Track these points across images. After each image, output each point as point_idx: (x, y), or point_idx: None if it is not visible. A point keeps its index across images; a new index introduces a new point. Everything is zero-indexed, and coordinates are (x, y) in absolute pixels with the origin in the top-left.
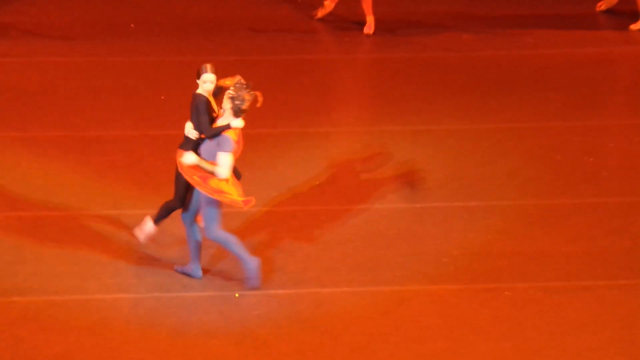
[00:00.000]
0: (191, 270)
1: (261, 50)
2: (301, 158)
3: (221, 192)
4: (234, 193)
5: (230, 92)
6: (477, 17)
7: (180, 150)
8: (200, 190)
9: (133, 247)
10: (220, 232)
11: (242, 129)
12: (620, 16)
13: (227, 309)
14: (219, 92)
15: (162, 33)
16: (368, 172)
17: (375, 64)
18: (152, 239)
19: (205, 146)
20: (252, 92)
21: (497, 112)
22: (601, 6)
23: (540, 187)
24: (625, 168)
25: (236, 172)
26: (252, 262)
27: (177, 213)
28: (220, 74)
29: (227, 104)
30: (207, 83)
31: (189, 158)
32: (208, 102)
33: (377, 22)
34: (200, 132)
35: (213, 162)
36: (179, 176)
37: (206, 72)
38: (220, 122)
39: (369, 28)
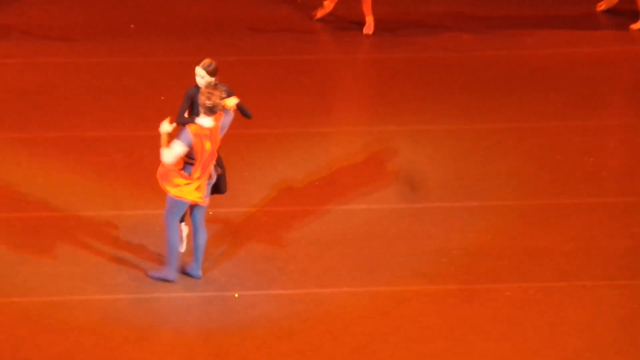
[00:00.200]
0: (190, 269)
1: (261, 50)
2: (301, 158)
3: (176, 186)
4: (186, 193)
5: (203, 91)
6: (477, 17)
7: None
8: (160, 183)
9: (133, 247)
10: (170, 223)
11: (241, 129)
12: (620, 16)
13: (227, 309)
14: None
15: (162, 33)
16: (368, 172)
17: (374, 64)
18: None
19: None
20: (223, 95)
21: (497, 112)
22: (601, 6)
23: (540, 187)
24: (625, 168)
25: (219, 163)
26: (170, 274)
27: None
28: (220, 74)
29: (201, 101)
30: (197, 77)
31: (163, 126)
32: (193, 94)
33: (377, 22)
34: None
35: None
36: None
37: (198, 66)
38: (198, 118)
39: (369, 28)
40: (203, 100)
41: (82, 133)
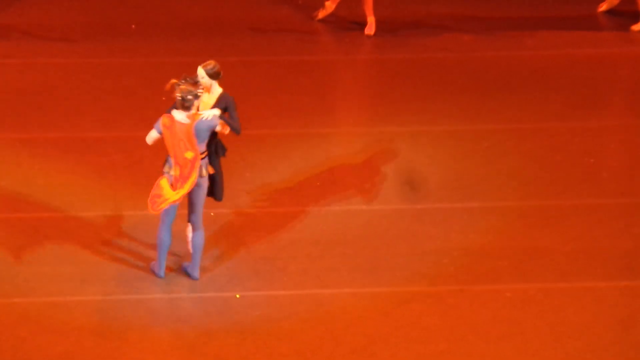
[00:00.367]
0: (189, 269)
1: (262, 50)
2: (301, 159)
3: (158, 195)
4: (167, 195)
5: (180, 83)
6: (477, 18)
7: None
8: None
9: (134, 248)
10: (161, 220)
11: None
12: (620, 17)
13: (227, 309)
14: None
15: (162, 34)
16: (368, 173)
17: (375, 65)
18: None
19: None
20: (197, 92)
21: (497, 112)
22: (602, 7)
23: (540, 188)
24: (625, 169)
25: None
26: (158, 270)
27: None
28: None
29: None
30: (198, 77)
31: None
32: None
33: (378, 23)
34: None
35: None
36: None
37: (200, 66)
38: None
39: (370, 29)
40: (175, 92)
41: (83, 133)
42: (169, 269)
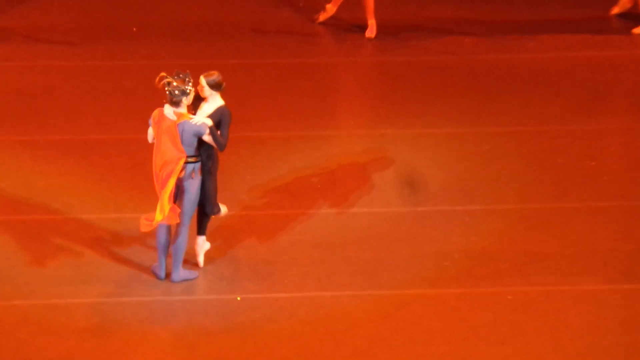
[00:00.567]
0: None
1: (262, 53)
2: (302, 161)
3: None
4: (156, 216)
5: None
6: (479, 21)
7: None
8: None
9: (134, 250)
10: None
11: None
12: (622, 19)
13: (228, 312)
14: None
15: (163, 36)
16: (369, 175)
17: (376, 68)
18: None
19: None
20: (185, 89)
21: (498, 115)
22: (615, 10)
23: (541, 191)
24: (626, 172)
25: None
26: (159, 271)
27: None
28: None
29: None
30: (199, 85)
31: None
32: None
33: (379, 25)
34: None
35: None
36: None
37: (202, 75)
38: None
39: (371, 31)
40: (165, 86)
41: (83, 136)
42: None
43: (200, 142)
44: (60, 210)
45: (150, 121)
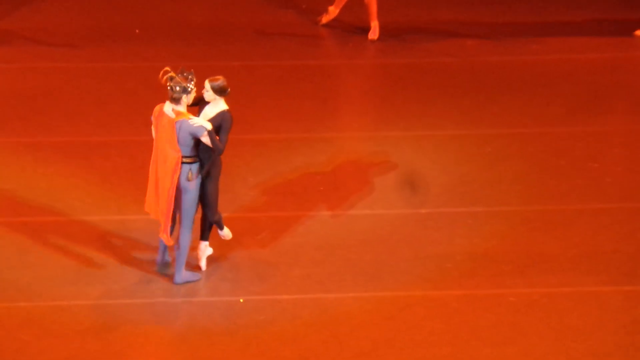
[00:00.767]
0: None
1: (265, 55)
2: (305, 163)
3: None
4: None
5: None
6: (481, 23)
7: None
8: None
9: (137, 252)
10: None
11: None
12: (624, 22)
13: (231, 314)
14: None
15: (165, 38)
16: (371, 177)
17: (379, 70)
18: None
19: None
20: (186, 87)
21: (501, 117)
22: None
23: (544, 193)
24: (629, 174)
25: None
26: (158, 257)
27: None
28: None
29: None
30: (204, 89)
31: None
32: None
33: (382, 27)
34: None
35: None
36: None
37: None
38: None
39: (374, 33)
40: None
41: (86, 137)
42: (171, 274)
43: (201, 145)
44: (63, 211)
45: (152, 117)
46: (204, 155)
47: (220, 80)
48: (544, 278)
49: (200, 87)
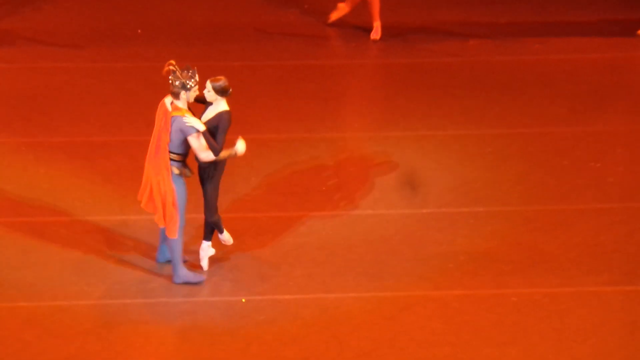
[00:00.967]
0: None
1: (267, 55)
2: (306, 163)
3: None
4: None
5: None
6: (483, 23)
7: None
8: None
9: (139, 252)
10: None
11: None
12: (626, 22)
13: (233, 314)
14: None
15: (167, 38)
16: (373, 177)
17: (381, 70)
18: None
19: None
20: (187, 83)
21: (503, 117)
22: None
23: (545, 193)
24: (631, 174)
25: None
26: (157, 255)
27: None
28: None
29: None
30: (205, 89)
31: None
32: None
33: (384, 27)
34: None
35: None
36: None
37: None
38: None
39: (376, 33)
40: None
41: (88, 137)
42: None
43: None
44: (65, 211)
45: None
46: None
47: (222, 81)
48: (545, 278)
49: (202, 87)
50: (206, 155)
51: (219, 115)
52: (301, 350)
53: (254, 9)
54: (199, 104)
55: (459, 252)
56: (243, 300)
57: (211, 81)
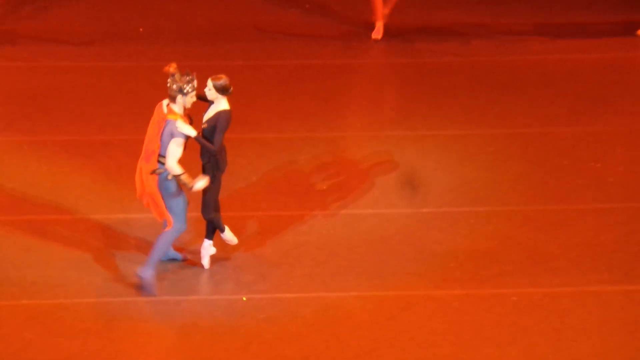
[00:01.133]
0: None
1: (268, 54)
2: (307, 162)
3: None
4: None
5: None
6: (484, 23)
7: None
8: None
9: (141, 250)
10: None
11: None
12: (626, 22)
13: (234, 312)
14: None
15: (169, 38)
16: (374, 176)
17: (382, 69)
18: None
19: None
20: (183, 88)
21: (504, 117)
22: None
23: (546, 192)
24: (632, 174)
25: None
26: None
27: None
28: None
29: None
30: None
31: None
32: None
33: (385, 27)
34: None
35: None
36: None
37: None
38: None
39: (377, 33)
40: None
41: (90, 136)
42: (176, 271)
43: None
44: (67, 210)
45: None
46: (204, 157)
47: (223, 79)
48: (546, 278)
49: (203, 87)
50: (172, 164)
51: (219, 114)
52: (301, 349)
53: (255, 9)
54: (204, 102)
55: (460, 252)
56: (244, 298)
57: (212, 79)
